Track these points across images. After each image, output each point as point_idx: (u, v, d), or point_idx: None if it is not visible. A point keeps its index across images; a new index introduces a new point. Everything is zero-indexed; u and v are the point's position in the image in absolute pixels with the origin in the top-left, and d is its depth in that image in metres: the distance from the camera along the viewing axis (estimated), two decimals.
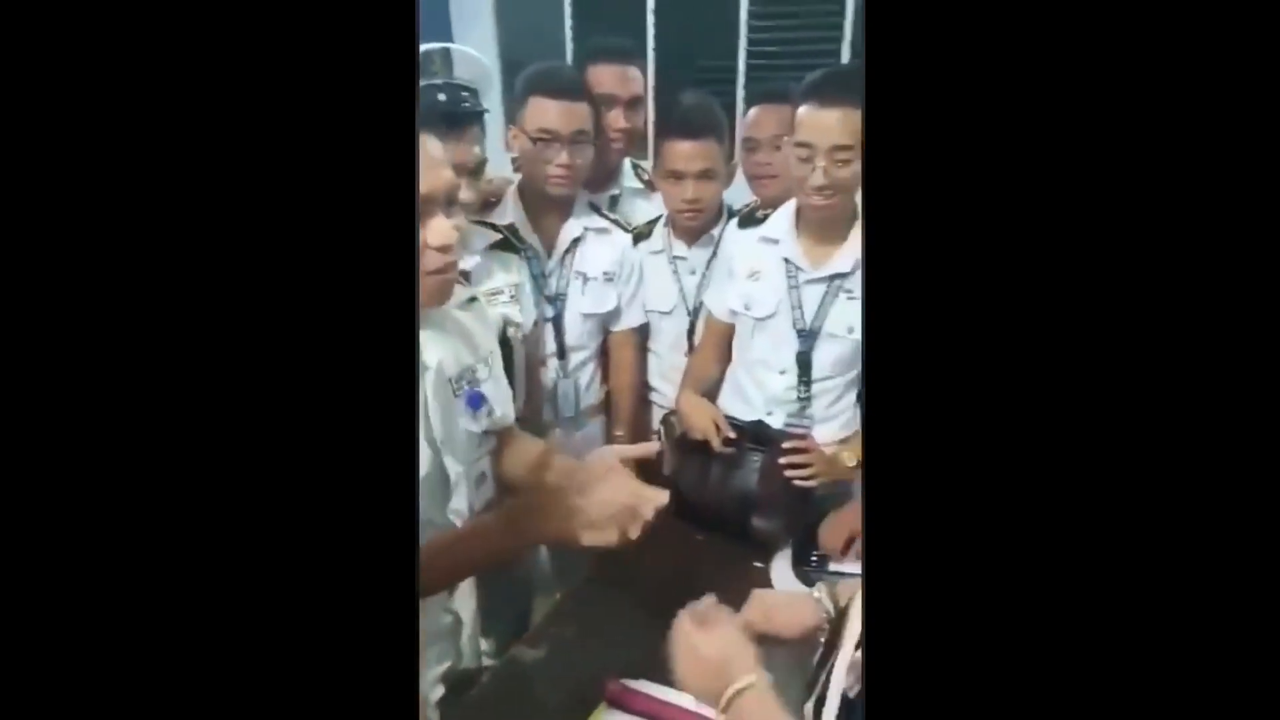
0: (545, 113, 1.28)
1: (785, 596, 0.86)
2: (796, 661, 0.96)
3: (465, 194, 1.08)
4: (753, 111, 1.46)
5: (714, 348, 1.40)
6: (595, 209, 1.44)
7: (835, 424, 1.33)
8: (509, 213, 1.37)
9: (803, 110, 1.14)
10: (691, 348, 1.46)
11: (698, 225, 1.40)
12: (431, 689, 0.93)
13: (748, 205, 1.43)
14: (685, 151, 1.32)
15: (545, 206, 1.37)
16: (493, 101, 1.26)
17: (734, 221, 1.36)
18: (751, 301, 1.31)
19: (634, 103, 1.48)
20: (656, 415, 1.52)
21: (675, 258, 1.45)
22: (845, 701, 0.45)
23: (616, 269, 1.42)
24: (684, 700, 0.89)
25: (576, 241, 1.40)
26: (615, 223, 1.45)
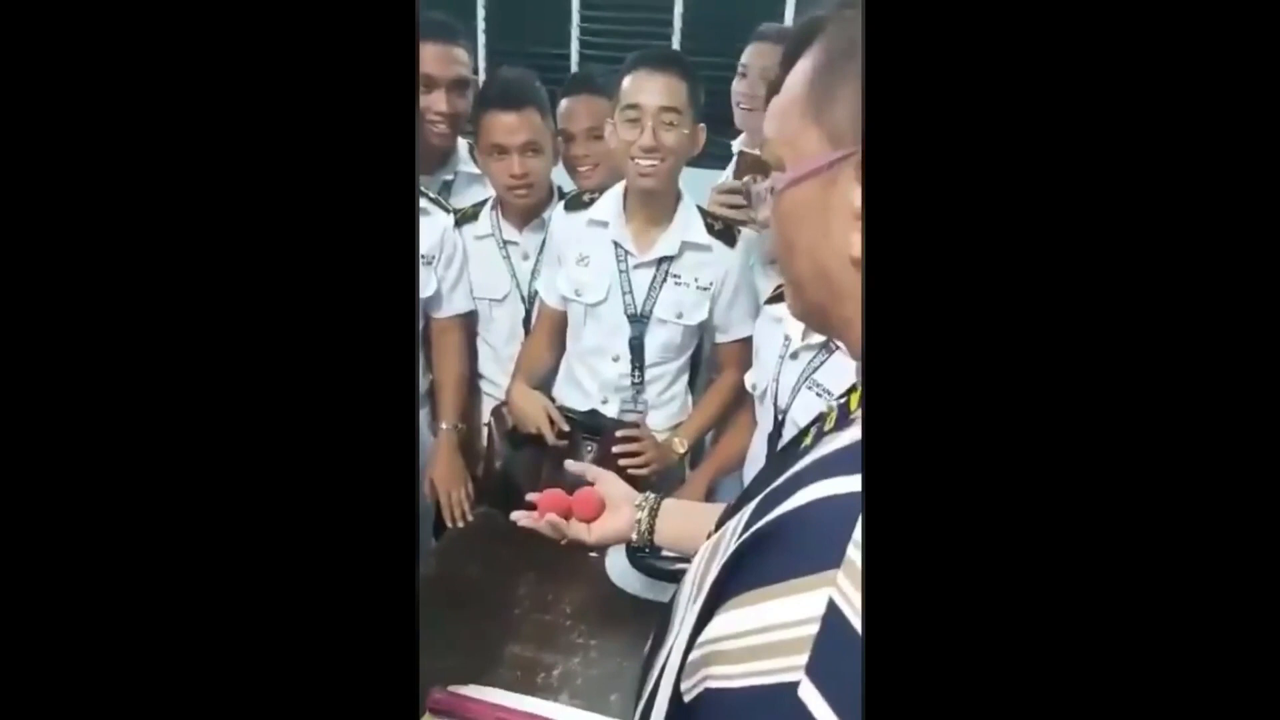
0: None
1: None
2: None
3: None
4: (564, 103, 1.45)
5: (546, 334, 1.36)
6: (420, 187, 1.36)
7: (666, 411, 1.35)
8: None
9: (629, 79, 1.15)
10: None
11: (528, 204, 1.36)
12: None
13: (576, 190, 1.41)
14: (508, 124, 1.27)
15: None
16: None
17: (561, 205, 1.33)
18: (582, 287, 1.28)
19: (458, 85, 1.40)
20: (488, 406, 1.46)
21: (506, 242, 1.40)
22: (677, 700, 0.43)
23: (436, 252, 1.35)
24: (514, 701, 0.86)
25: None
26: (435, 202, 1.38)
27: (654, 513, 0.82)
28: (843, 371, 1.08)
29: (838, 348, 1.07)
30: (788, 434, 1.14)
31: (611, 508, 0.85)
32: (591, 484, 0.86)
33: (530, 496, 0.86)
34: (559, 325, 1.35)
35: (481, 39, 3.17)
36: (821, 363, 1.11)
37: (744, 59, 1.53)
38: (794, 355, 1.13)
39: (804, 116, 0.45)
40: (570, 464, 0.92)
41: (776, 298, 1.21)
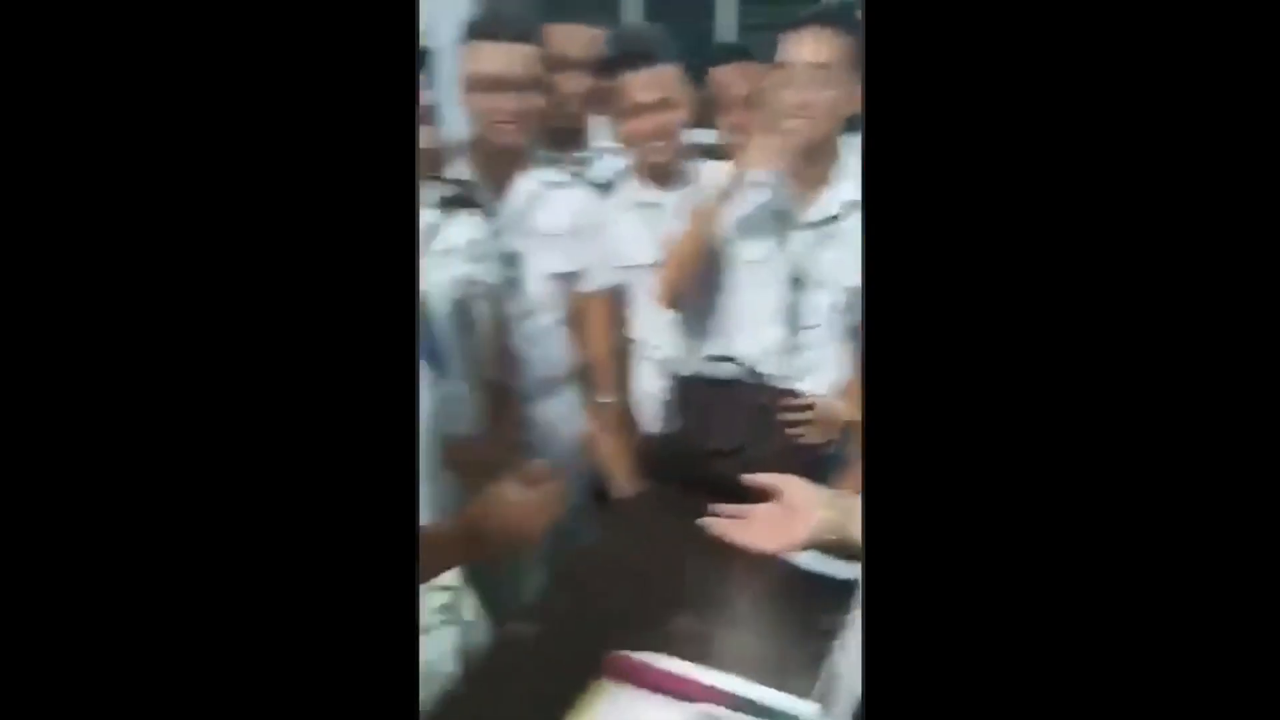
0: (488, 56, 1.20)
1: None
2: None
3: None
4: (720, 71, 1.39)
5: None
6: (553, 162, 1.35)
7: (822, 375, 1.26)
8: (461, 168, 1.28)
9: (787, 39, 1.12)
10: None
11: (666, 163, 1.31)
12: (436, 665, 0.87)
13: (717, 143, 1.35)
14: (641, 81, 1.23)
15: (497, 159, 1.28)
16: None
17: (709, 161, 1.28)
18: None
19: (594, 64, 1.37)
20: (645, 372, 1.43)
21: (647, 205, 1.36)
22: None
23: (579, 226, 1.33)
24: (691, 671, 0.83)
25: (532, 196, 1.30)
26: (576, 176, 1.36)
27: (847, 512, 0.75)
28: None
29: None
30: None
31: (797, 515, 0.77)
32: (771, 496, 0.79)
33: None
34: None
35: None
36: None
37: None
38: None
39: None
40: (750, 478, 0.84)
41: None
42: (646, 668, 0.83)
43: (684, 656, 0.85)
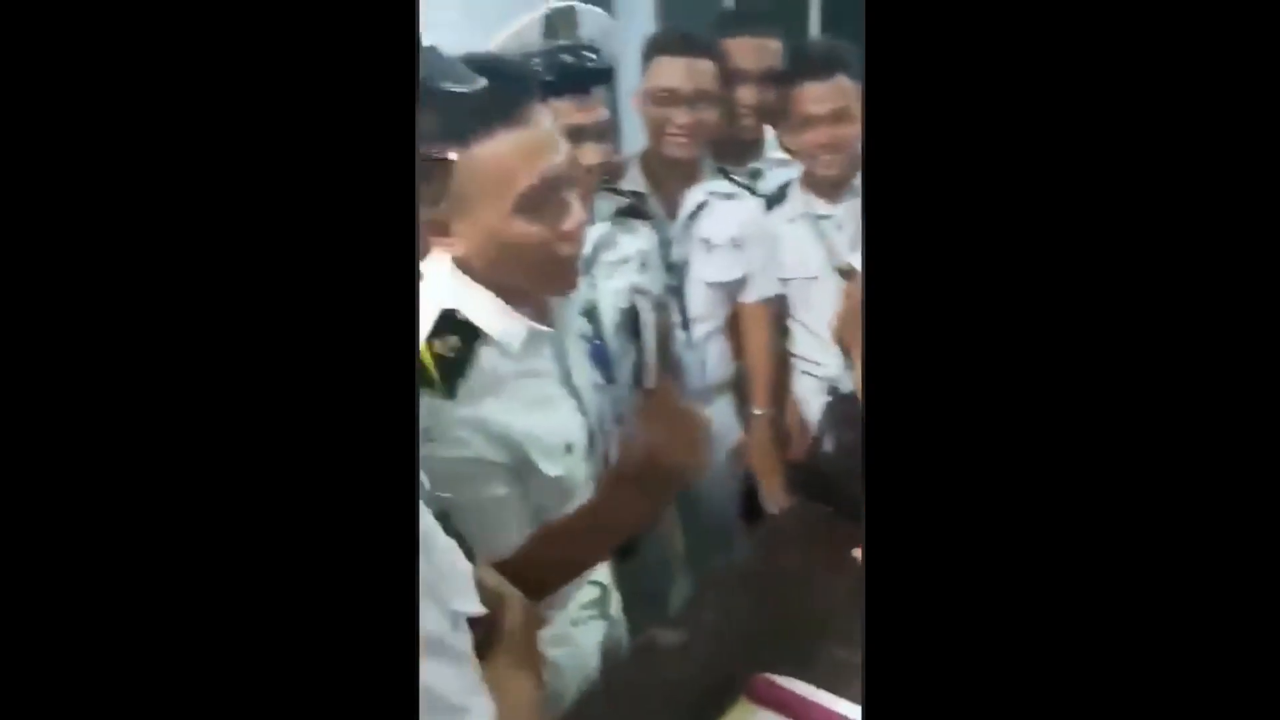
0: (666, 71, 1.23)
1: None
2: None
3: (590, 157, 1.04)
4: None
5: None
6: (724, 173, 1.36)
7: None
8: (634, 179, 1.32)
9: None
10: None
11: (837, 175, 1.28)
12: (578, 658, 0.90)
13: None
14: (816, 94, 1.21)
15: (668, 171, 1.31)
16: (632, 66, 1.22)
17: None
18: None
19: (768, 76, 1.37)
20: (806, 387, 1.41)
21: (818, 217, 1.33)
22: None
23: (744, 235, 1.33)
24: (833, 702, 0.80)
25: (701, 207, 1.32)
26: (745, 187, 1.36)
27: None
28: None
29: None
30: None
31: None
32: None
33: None
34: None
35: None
36: None
37: None
38: None
39: None
40: None
41: None
42: (788, 693, 0.82)
43: (827, 686, 0.83)
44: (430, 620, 0.48)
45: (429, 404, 0.71)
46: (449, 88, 0.49)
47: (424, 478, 0.63)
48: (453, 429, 0.72)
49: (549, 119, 0.73)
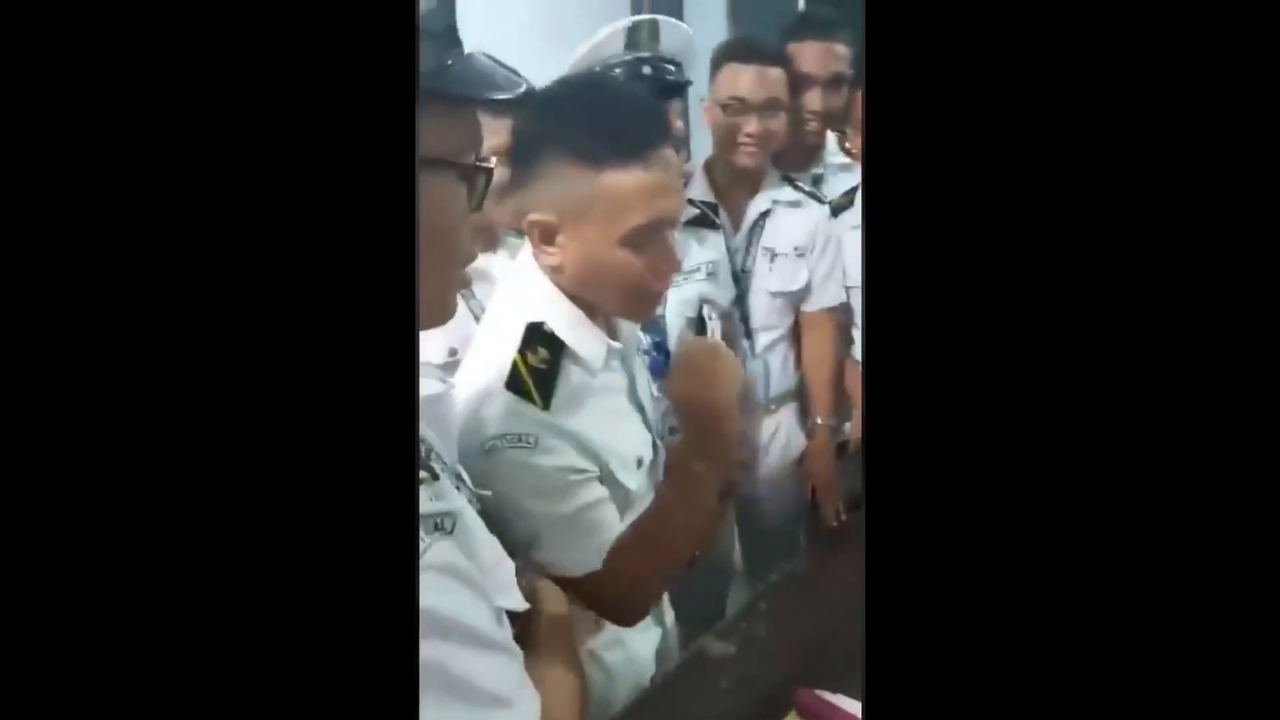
0: (735, 79, 1.23)
1: None
2: None
3: None
4: None
5: None
6: (788, 180, 1.35)
7: None
8: (699, 188, 1.33)
9: None
10: None
11: None
12: (634, 661, 0.91)
13: None
14: None
15: (734, 180, 1.31)
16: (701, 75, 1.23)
17: None
18: None
19: (834, 81, 1.36)
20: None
21: None
22: None
23: (809, 243, 1.32)
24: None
25: (765, 215, 1.31)
26: (810, 195, 1.35)
27: None
28: None
29: None
30: None
31: None
32: None
33: None
34: None
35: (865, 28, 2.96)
36: None
37: None
38: None
39: None
40: None
41: None
42: (836, 710, 0.81)
43: None
44: (478, 616, 0.49)
45: (526, 412, 0.73)
46: (491, 95, 0.50)
47: (464, 474, 0.64)
48: (548, 438, 0.74)
49: (674, 164, 0.76)
